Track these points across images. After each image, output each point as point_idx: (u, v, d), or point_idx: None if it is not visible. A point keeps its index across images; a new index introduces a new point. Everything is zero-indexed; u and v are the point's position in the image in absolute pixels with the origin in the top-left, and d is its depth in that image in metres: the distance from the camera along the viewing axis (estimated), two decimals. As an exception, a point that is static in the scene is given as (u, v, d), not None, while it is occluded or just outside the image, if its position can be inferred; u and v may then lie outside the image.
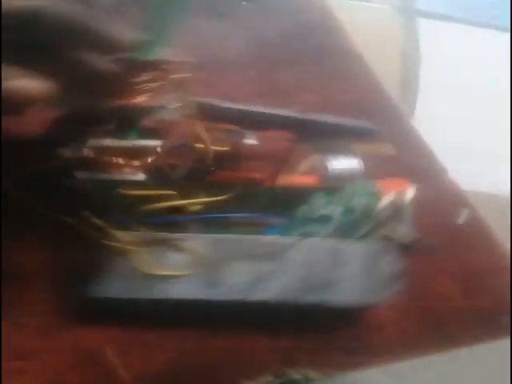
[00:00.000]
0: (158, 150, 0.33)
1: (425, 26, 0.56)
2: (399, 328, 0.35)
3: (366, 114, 0.40)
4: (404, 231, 0.39)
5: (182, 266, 0.34)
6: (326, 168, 0.35)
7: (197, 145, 0.34)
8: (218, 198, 0.35)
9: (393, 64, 0.51)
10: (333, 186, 0.36)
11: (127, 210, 0.33)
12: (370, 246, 0.37)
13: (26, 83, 0.29)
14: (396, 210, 0.39)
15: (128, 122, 0.33)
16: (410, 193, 0.39)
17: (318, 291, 0.36)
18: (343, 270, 0.36)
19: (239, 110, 0.34)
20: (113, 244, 0.32)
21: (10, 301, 0.32)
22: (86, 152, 0.32)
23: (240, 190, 0.35)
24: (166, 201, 0.34)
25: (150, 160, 0.33)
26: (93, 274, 0.33)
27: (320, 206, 0.38)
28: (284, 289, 0.36)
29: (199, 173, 0.35)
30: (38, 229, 0.34)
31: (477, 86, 0.55)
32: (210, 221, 0.36)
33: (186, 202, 0.34)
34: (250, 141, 0.35)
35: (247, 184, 0.36)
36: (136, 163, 0.33)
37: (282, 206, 0.37)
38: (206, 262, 0.34)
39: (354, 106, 0.42)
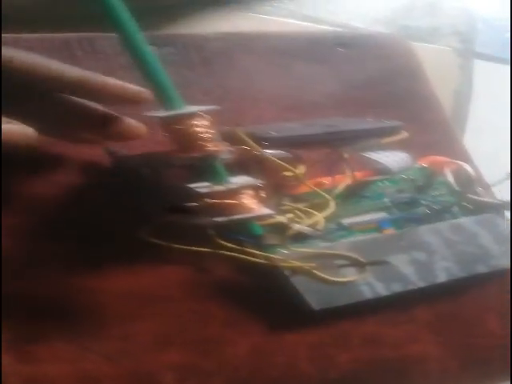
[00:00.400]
0: (260, 184, 0.34)
1: (480, 66, 0.56)
2: (441, 363, 0.36)
3: (437, 153, 0.42)
4: (487, 197, 0.40)
5: (351, 272, 0.35)
6: (378, 161, 0.38)
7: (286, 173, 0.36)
8: (331, 211, 0.37)
9: (445, 101, 0.51)
10: (392, 174, 0.39)
11: (271, 239, 0.35)
12: (478, 217, 0.39)
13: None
14: (465, 182, 0.41)
15: (212, 168, 0.34)
16: (467, 167, 0.41)
17: (475, 264, 0.38)
18: (479, 242, 0.38)
19: (283, 137, 0.37)
20: (285, 265, 0.34)
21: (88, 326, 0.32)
22: (206, 199, 0.33)
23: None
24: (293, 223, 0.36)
25: (263, 194, 0.35)
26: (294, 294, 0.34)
27: (395, 193, 0.40)
28: (450, 270, 0.37)
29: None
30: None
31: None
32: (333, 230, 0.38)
33: (313, 220, 0.36)
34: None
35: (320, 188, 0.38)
36: (254, 199, 0.34)
37: (363, 199, 0.39)
38: (368, 263, 0.35)
39: (427, 146, 0.43)
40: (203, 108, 0.33)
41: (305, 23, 0.54)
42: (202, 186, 0.33)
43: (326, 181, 0.39)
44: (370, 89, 0.46)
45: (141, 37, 0.32)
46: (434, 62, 0.50)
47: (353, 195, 0.39)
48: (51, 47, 0.39)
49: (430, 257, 0.38)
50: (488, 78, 0.56)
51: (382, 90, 0.46)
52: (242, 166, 0.36)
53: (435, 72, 0.50)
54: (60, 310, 0.33)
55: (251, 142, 0.35)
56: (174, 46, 0.41)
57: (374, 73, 0.47)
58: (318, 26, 0.54)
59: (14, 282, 0.32)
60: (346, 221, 0.38)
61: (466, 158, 0.45)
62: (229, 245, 0.33)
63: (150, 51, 0.32)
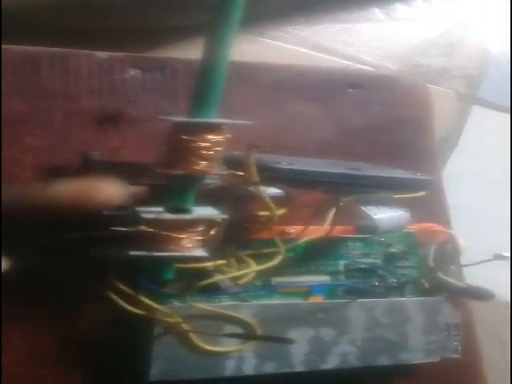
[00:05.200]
0: (219, 220, 0.29)
1: (477, 112, 0.51)
2: None
3: (414, 207, 0.35)
4: (457, 277, 0.37)
5: (235, 341, 0.30)
6: (369, 217, 0.32)
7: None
8: (268, 265, 0.32)
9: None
10: (372, 234, 0.33)
11: (181, 285, 0.30)
12: (426, 300, 0.35)
13: None
14: (444, 256, 0.36)
15: (185, 189, 0.29)
16: (458, 239, 0.36)
17: (382, 354, 0.34)
18: (405, 328, 0.34)
19: (289, 170, 0.30)
20: (163, 320, 0.29)
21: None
22: (142, 227, 0.28)
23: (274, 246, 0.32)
24: (218, 272, 0.31)
25: (212, 232, 0.30)
26: (146, 356, 0.30)
27: (358, 256, 0.35)
28: (346, 356, 0.33)
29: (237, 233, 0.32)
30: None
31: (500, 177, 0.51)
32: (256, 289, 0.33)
33: (240, 273, 0.32)
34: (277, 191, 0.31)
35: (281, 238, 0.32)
36: (196, 236, 0.29)
37: (318, 257, 0.34)
38: (260, 333, 0.31)
39: (405, 201, 0.36)
40: (226, 121, 0.28)
41: (313, 53, 0.48)
42: (151, 212, 0.28)
43: (294, 230, 0.33)
44: (365, 136, 0.40)
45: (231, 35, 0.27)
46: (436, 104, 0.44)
47: (314, 251, 0.34)
48: (21, 61, 0.32)
49: (338, 337, 0.33)
50: (482, 124, 0.51)
51: (379, 139, 0.40)
52: (223, 194, 0.30)
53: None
54: None
55: (253, 169, 0.29)
56: (162, 70, 0.35)
57: (376, 119, 0.40)
58: (326, 57, 0.48)
59: None
60: (277, 279, 0.33)
61: (445, 219, 0.40)
62: (122, 287, 0.29)
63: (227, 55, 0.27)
